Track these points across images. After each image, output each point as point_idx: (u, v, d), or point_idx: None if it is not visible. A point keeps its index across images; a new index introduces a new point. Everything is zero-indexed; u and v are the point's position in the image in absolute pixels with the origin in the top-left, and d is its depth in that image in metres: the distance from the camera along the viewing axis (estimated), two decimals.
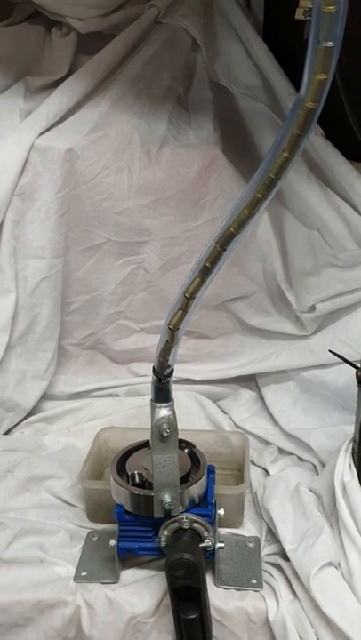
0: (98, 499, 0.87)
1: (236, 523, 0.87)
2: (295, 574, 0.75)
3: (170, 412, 0.70)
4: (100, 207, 1.03)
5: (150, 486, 0.74)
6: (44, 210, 1.00)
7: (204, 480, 0.77)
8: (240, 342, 1.15)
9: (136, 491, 0.75)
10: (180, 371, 1.07)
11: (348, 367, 0.84)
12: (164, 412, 0.70)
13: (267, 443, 1.06)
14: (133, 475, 0.77)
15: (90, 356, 1.16)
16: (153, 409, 0.71)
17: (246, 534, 0.86)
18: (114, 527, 0.79)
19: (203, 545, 0.74)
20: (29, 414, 1.11)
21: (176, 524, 0.74)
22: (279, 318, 1.12)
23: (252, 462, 1.00)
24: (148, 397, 1.20)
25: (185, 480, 0.76)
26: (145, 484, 0.76)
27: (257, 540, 0.85)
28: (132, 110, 1.04)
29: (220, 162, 1.04)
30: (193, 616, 0.70)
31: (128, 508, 0.76)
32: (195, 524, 0.74)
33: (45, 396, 1.12)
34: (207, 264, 0.60)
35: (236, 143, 1.12)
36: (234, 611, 0.75)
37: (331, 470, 0.82)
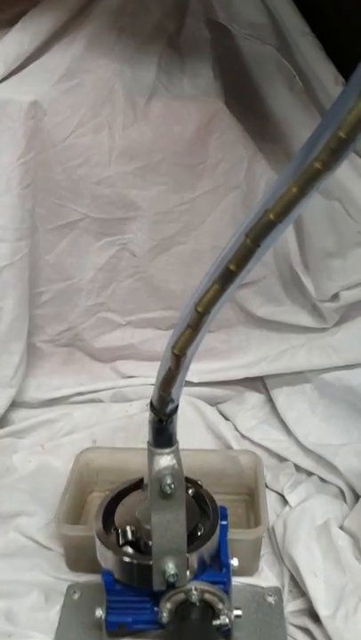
0: (78, 545, 0.72)
1: (251, 570, 0.73)
2: None
3: (174, 461, 0.52)
4: (75, 175, 0.91)
5: (147, 548, 0.57)
6: (3, 180, 0.87)
7: (216, 535, 0.61)
8: (245, 336, 1.03)
9: (128, 558, 0.58)
10: None
11: None
12: (165, 460, 0.52)
13: (279, 457, 0.92)
14: (124, 531, 0.60)
15: (66, 354, 1.05)
16: (151, 455, 0.53)
17: (264, 584, 0.72)
18: (100, 579, 0.62)
19: (217, 623, 0.58)
20: None
21: (182, 595, 0.58)
22: (292, 308, 1.00)
23: (266, 485, 0.85)
24: (137, 404, 1.03)
25: (192, 536, 0.59)
26: (139, 541, 0.60)
27: (278, 592, 0.71)
28: (113, 53, 0.90)
29: (224, 117, 0.91)
30: None
31: (118, 576, 0.59)
32: (206, 595, 0.58)
33: (14, 404, 0.99)
34: (231, 266, 0.41)
35: (239, 95, 0.97)
36: None
37: None
